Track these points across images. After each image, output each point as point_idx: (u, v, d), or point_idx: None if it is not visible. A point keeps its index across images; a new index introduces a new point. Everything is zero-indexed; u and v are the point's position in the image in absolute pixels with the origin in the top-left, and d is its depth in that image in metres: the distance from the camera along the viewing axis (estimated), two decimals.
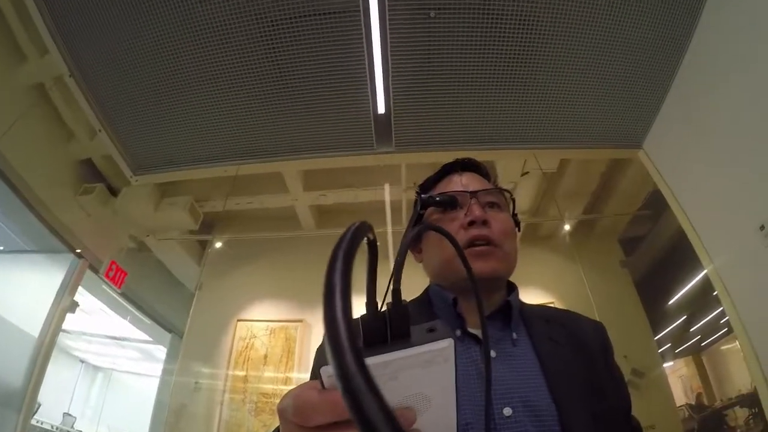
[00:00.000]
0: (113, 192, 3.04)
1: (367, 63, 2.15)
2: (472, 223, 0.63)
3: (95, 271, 2.92)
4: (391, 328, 0.26)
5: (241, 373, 2.65)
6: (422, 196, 0.68)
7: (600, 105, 2.35)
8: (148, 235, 3.25)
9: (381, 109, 2.37)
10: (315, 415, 0.26)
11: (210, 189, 2.96)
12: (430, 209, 0.68)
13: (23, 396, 2.46)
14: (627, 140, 2.55)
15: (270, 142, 2.55)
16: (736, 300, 1.91)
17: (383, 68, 2.19)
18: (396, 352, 0.25)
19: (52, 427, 4.80)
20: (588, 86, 2.25)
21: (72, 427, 5.40)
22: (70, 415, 5.54)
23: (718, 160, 1.93)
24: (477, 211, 0.63)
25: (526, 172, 2.66)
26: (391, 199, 2.70)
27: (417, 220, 0.69)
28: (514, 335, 0.61)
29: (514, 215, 0.72)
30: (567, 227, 2.75)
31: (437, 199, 0.66)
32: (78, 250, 2.88)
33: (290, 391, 0.31)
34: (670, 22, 1.98)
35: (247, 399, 2.59)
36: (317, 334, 2.70)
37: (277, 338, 2.67)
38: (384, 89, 2.29)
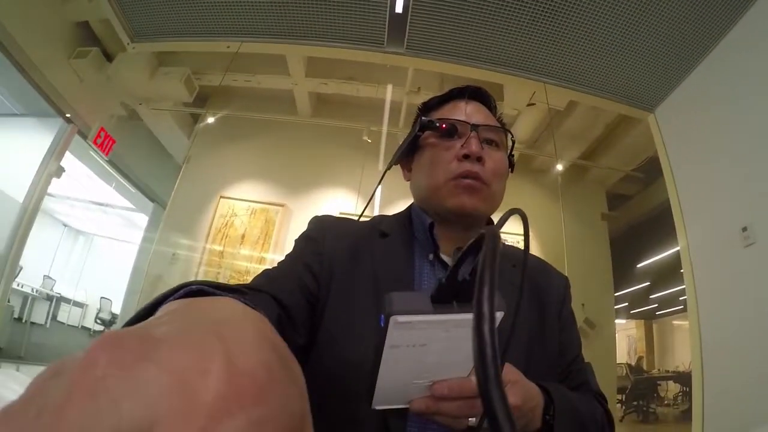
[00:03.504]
0: (108, 57, 2.90)
1: None
2: (466, 156, 0.61)
3: (84, 137, 2.87)
4: (457, 293, 0.31)
5: (218, 248, 2.72)
6: (423, 118, 0.65)
7: (624, 58, 2.24)
8: (140, 104, 3.17)
9: (399, 8, 2.23)
10: None
11: (208, 63, 2.84)
12: (428, 133, 0.66)
13: (5, 260, 2.49)
14: (641, 101, 2.47)
15: (277, 22, 2.41)
16: (699, 285, 1.97)
17: None
18: (457, 314, 0.31)
19: (32, 290, 4.99)
20: (617, 36, 2.12)
21: (51, 289, 5.61)
22: (50, 278, 5.74)
23: (723, 150, 1.91)
24: (474, 146, 0.61)
25: (533, 104, 2.59)
26: (392, 99, 2.64)
27: (413, 140, 0.67)
28: None
29: (511, 156, 0.70)
30: (559, 167, 2.75)
31: (437, 124, 0.64)
32: (68, 115, 2.81)
33: None
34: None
35: (221, 274, 2.69)
36: (297, 219, 2.76)
37: (257, 219, 2.71)
38: None
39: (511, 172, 0.69)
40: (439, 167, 0.62)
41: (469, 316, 0.29)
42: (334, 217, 0.70)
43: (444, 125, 0.63)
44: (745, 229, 1.69)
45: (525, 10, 2.09)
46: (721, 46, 2.02)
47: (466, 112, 0.66)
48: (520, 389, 0.44)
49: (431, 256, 0.62)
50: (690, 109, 2.23)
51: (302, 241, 0.65)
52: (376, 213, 2.63)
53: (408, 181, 0.71)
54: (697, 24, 1.97)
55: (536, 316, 0.61)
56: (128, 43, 2.68)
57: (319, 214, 0.69)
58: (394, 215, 0.71)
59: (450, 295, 0.31)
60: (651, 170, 2.93)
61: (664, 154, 2.37)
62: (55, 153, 2.84)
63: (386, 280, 0.57)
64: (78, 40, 2.77)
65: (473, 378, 0.37)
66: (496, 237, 0.23)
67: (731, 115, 1.89)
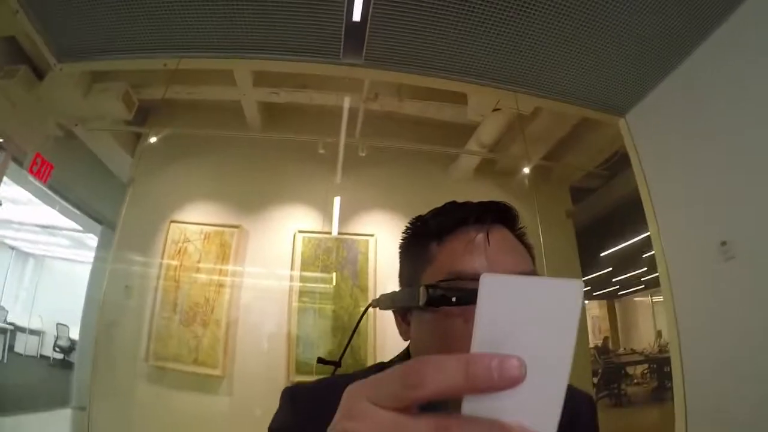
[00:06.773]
0: (40, 75, 2.61)
1: None
2: None
3: (19, 163, 2.62)
4: None
5: (173, 275, 2.55)
6: (429, 290, 0.47)
7: (595, 63, 2.14)
8: (76, 125, 2.90)
9: (357, 16, 2.06)
10: (435, 375, 0.21)
11: (146, 75, 2.61)
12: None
13: None
14: (612, 106, 2.41)
15: (220, 35, 2.18)
16: (678, 303, 1.97)
17: None
18: None
19: None
20: (586, 39, 2.01)
21: (4, 321, 5.22)
22: (2, 308, 5.36)
23: (697, 161, 1.86)
24: None
25: (498, 109, 2.53)
26: (348, 106, 2.50)
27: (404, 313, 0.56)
28: None
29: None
30: (526, 170, 2.72)
31: (453, 299, 0.46)
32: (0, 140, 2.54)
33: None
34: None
35: (178, 308, 2.52)
36: (254, 240, 2.62)
37: (212, 243, 2.55)
38: None
39: None
40: (455, 343, 0.47)
41: None
42: (309, 385, 0.57)
43: (462, 292, 0.47)
44: (724, 243, 1.67)
45: (491, 18, 1.96)
46: (702, 49, 1.94)
47: (487, 255, 0.50)
48: None
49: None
50: (663, 116, 2.16)
51: None
52: (335, 230, 2.53)
53: (406, 340, 0.57)
54: (679, 21, 1.87)
55: None
56: (55, 64, 2.40)
57: (289, 386, 0.57)
58: (395, 358, 0.59)
59: None
60: (615, 167, 2.96)
61: (636, 161, 2.32)
62: None
63: None
64: (4, 57, 2.47)
65: None
66: None
67: (706, 125, 1.83)
